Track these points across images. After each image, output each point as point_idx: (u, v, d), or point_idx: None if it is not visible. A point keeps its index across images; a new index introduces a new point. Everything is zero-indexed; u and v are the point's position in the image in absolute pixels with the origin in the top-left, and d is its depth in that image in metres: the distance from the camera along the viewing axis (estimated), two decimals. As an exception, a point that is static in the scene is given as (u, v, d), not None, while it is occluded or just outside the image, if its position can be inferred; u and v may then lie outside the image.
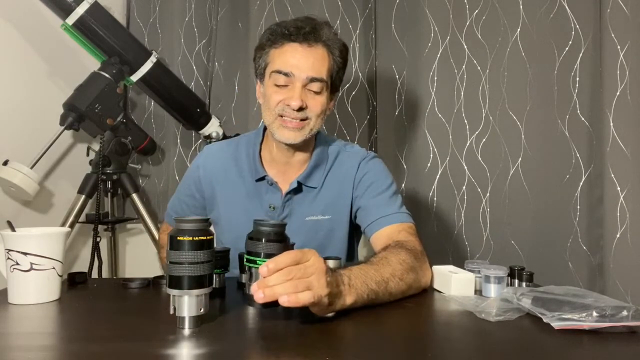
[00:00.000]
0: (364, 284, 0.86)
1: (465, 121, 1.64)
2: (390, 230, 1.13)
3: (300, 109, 1.11)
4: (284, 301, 0.72)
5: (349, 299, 0.83)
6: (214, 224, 1.26)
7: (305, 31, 1.12)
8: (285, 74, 1.11)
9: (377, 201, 1.18)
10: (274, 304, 0.73)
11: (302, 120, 1.13)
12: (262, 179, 1.21)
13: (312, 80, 1.12)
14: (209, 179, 1.25)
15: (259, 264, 0.77)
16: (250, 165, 1.22)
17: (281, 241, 0.81)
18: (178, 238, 0.76)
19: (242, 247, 0.85)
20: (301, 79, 1.11)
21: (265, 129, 1.23)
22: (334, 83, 1.17)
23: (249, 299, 0.77)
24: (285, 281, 0.73)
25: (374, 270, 0.90)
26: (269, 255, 0.77)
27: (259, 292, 0.72)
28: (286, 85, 1.12)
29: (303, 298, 0.73)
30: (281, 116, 1.13)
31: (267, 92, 1.15)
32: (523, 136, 1.56)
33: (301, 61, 1.11)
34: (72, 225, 1.70)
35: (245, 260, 0.82)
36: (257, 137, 1.25)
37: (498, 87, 1.60)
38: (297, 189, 1.20)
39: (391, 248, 1.02)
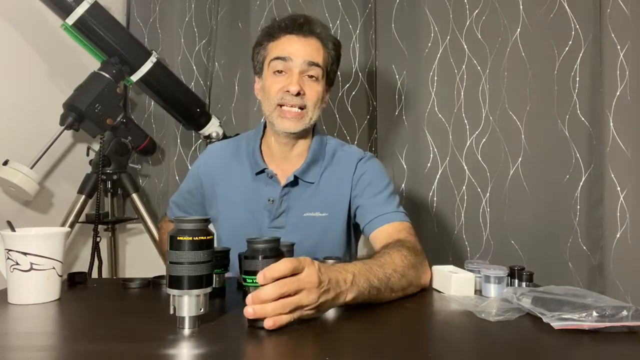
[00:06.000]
0: (367, 280, 0.86)
1: (465, 121, 1.64)
2: (390, 228, 1.14)
3: (298, 94, 1.15)
4: (269, 325, 0.73)
5: (349, 296, 0.84)
6: (213, 222, 1.27)
7: (300, 22, 1.18)
8: (283, 59, 1.16)
9: (376, 200, 1.19)
10: (260, 322, 0.74)
11: (300, 109, 1.16)
12: (262, 172, 1.22)
13: (310, 64, 1.16)
14: (210, 176, 1.28)
15: (256, 282, 0.76)
16: (251, 160, 1.24)
17: (277, 256, 0.79)
18: (178, 238, 0.76)
19: (240, 242, 0.84)
20: (298, 64, 1.15)
21: (265, 125, 1.26)
22: (329, 75, 1.22)
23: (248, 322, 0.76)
24: (278, 295, 0.73)
25: (377, 266, 0.91)
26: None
27: (249, 308, 0.73)
28: (284, 73, 1.16)
29: (286, 319, 0.75)
30: (280, 106, 1.16)
31: (266, 83, 1.19)
32: (523, 136, 1.56)
33: (298, 48, 1.17)
34: (72, 225, 1.70)
35: (244, 281, 0.81)
36: (257, 132, 1.27)
37: (498, 87, 1.60)
38: (294, 183, 1.21)
39: (392, 245, 1.03)
